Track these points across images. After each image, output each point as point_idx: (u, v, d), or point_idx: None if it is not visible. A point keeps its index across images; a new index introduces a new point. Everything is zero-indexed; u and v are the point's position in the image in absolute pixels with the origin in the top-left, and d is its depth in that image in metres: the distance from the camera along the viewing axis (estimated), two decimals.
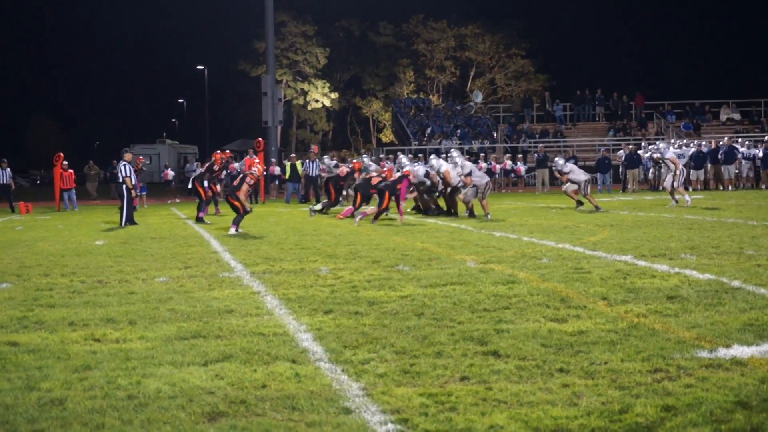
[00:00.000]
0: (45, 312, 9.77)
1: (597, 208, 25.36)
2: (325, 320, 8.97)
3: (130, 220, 23.99)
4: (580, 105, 59.65)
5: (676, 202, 26.15)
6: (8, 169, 36.74)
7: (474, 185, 23.64)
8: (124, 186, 24.27)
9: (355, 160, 27.95)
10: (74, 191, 37.60)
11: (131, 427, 5.66)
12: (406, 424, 5.58)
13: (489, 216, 23.01)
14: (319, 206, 27.66)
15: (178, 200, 38.95)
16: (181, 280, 12.14)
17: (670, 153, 27.12)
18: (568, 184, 26.83)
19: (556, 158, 29.10)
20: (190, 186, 31.17)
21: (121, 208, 24.10)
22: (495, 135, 56.69)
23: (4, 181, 36.36)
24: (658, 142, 30.18)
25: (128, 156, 25.37)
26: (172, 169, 52.50)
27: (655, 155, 28.46)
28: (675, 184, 26.17)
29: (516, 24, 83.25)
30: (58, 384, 6.65)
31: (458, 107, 63.76)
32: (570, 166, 27.08)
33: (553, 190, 43.37)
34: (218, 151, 27.18)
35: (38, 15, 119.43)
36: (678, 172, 26.01)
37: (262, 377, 6.72)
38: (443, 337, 8.00)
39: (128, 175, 24.32)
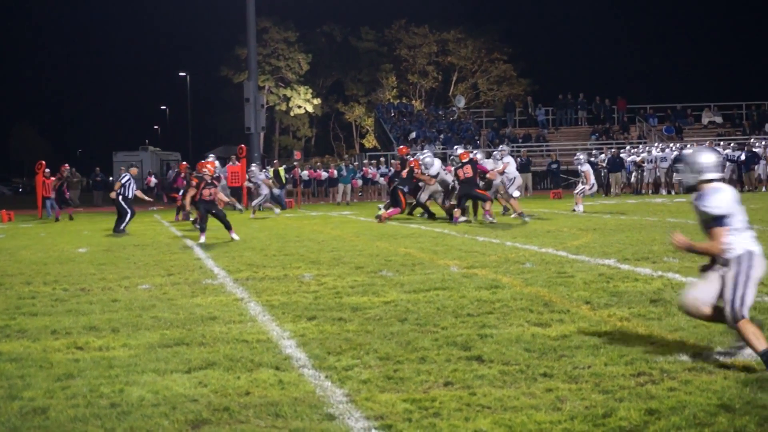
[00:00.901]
0: (27, 320, 9.73)
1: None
2: (309, 327, 8.96)
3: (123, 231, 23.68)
4: (562, 109, 59.75)
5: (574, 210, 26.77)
6: None
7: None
8: (125, 198, 24.04)
9: (412, 158, 27.20)
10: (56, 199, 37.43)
11: None
12: (390, 430, 5.57)
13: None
14: (382, 210, 27.37)
15: (155, 208, 38.79)
16: (164, 287, 12.11)
17: (587, 167, 27.82)
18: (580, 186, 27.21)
19: (579, 155, 29.40)
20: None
21: (123, 217, 23.77)
22: (478, 140, 56.70)
23: None
24: (578, 153, 30.53)
25: (134, 170, 25.37)
26: (155, 176, 52.44)
27: (576, 163, 28.99)
28: (579, 193, 27.29)
29: (498, 29, 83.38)
30: (40, 393, 6.62)
31: (441, 112, 63.82)
32: (588, 167, 27.54)
33: (536, 194, 43.47)
34: (184, 162, 27.06)
35: (20, 22, 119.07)
36: (588, 186, 27.39)
37: (245, 384, 6.70)
38: (427, 342, 8.00)
39: (131, 190, 24.24)
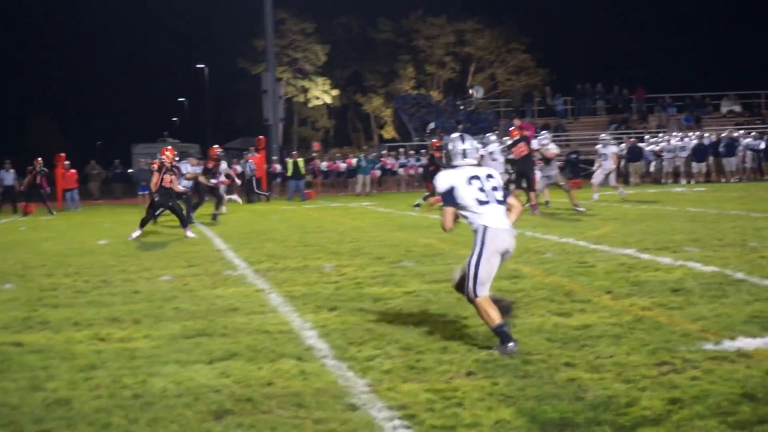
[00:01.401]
0: (49, 312, 9.77)
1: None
2: (330, 317, 8.98)
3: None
4: (580, 99, 59.51)
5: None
6: (12, 170, 36.64)
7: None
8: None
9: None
10: (77, 191, 37.62)
11: (138, 426, 5.66)
12: (413, 420, 5.57)
13: None
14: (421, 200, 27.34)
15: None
16: (185, 278, 12.14)
17: (613, 148, 27.30)
18: (598, 172, 26.94)
19: (604, 135, 29.10)
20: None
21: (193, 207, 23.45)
22: (496, 130, 56.59)
23: (9, 183, 36.24)
24: (603, 134, 30.03)
25: (193, 161, 24.94)
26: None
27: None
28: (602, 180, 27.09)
29: (515, 18, 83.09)
30: (63, 384, 6.66)
31: (459, 103, 63.69)
32: (614, 148, 27.28)
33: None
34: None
35: (36, 14, 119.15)
36: (609, 170, 26.83)
37: (267, 375, 6.72)
38: (448, 332, 8.00)
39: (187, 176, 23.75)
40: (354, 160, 45.47)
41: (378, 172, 45.59)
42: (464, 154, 7.98)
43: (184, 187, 21.48)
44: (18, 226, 25.12)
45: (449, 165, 7.99)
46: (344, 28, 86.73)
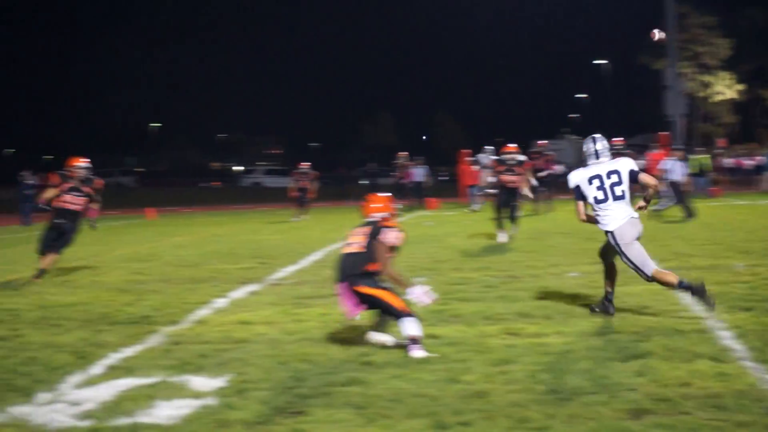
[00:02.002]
0: (460, 305, 10.02)
1: None
2: (745, 318, 8.63)
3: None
4: None
5: None
6: (423, 167, 37.56)
7: None
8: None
9: None
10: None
11: (555, 421, 5.67)
12: None
13: None
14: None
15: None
16: (592, 275, 12.03)
17: None
18: None
19: None
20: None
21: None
22: None
23: (418, 179, 37.28)
24: None
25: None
26: (565, 166, 52.42)
27: None
28: None
29: None
30: (479, 377, 6.79)
31: None
32: None
33: None
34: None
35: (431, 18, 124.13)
36: None
37: (684, 375, 6.55)
38: None
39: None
40: (762, 157, 43.48)
41: None
42: (597, 155, 9.15)
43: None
44: (423, 221, 25.92)
45: (585, 165, 9.14)
46: (749, 21, 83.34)
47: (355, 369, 7.21)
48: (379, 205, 8.31)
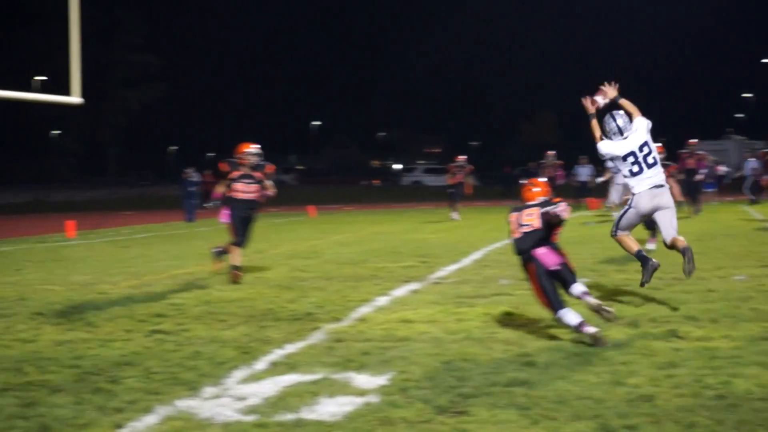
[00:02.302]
0: (624, 308, 9.87)
1: None
2: None
3: None
4: None
5: None
6: (588, 166, 36.85)
7: None
8: None
9: None
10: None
11: (724, 427, 5.57)
12: None
13: None
14: None
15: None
16: (760, 278, 11.73)
17: None
18: None
19: None
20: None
21: None
22: None
23: (584, 179, 36.64)
24: None
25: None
26: (727, 166, 50.72)
27: None
28: None
29: None
30: (645, 380, 6.70)
31: None
32: None
33: None
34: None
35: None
36: None
37: None
38: None
39: None
40: None
41: None
42: (621, 131, 9.68)
43: None
44: (584, 221, 25.54)
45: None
46: None
47: (518, 369, 7.19)
48: (539, 189, 8.70)
